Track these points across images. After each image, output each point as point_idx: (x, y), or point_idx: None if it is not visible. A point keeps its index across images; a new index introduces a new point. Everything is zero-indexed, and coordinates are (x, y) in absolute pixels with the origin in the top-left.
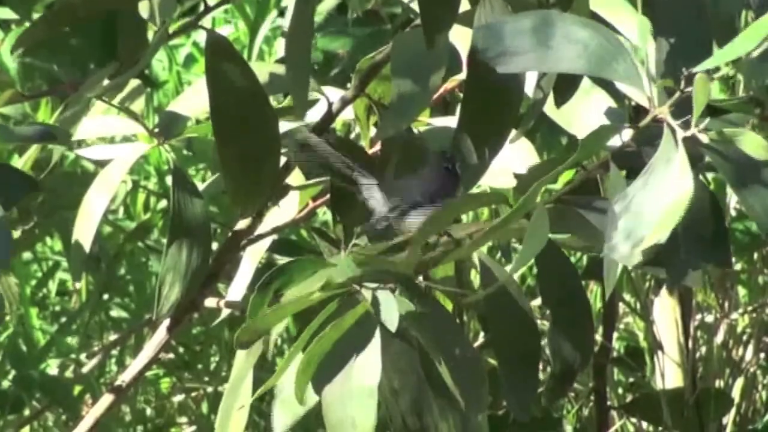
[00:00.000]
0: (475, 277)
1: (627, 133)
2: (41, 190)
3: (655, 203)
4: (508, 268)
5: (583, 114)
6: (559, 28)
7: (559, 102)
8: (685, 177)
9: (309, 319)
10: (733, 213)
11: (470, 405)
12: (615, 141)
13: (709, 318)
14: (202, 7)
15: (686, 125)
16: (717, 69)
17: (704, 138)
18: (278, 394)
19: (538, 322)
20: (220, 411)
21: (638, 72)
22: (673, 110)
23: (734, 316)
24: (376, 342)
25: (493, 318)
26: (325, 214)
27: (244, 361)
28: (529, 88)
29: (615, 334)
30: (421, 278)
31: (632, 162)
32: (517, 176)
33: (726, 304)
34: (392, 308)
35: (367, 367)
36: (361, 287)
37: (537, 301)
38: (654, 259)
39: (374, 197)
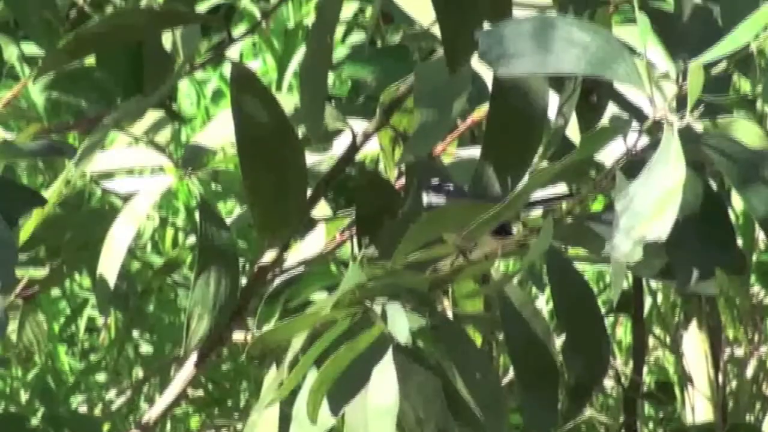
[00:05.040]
0: None
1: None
2: (44, 203)
3: (651, 197)
4: (538, 304)
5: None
6: (560, 31)
7: (584, 130)
8: (678, 166)
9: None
10: (762, 247)
11: (491, 429)
12: (621, 149)
13: (739, 352)
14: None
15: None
16: (715, 64)
17: (698, 127)
18: (295, 417)
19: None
20: None
21: (639, 73)
22: (677, 111)
23: (764, 349)
24: (389, 360)
25: (510, 341)
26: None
27: (267, 390)
28: (552, 113)
29: (645, 368)
30: (450, 311)
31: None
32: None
33: (756, 338)
34: (402, 321)
35: (383, 387)
36: (372, 302)
37: None
38: (665, 269)
39: None
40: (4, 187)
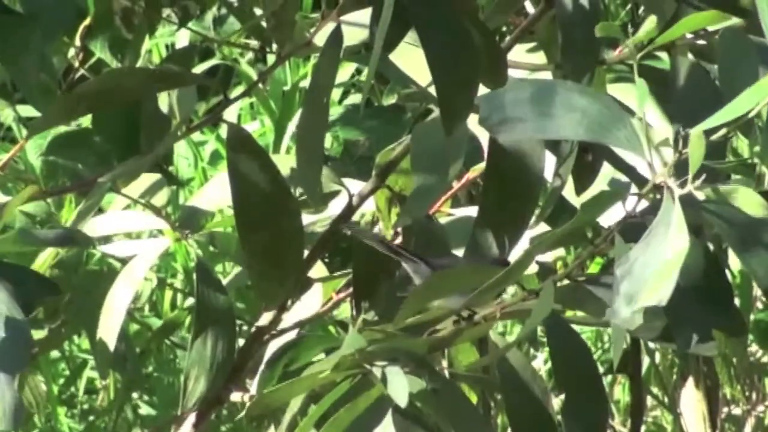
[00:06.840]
0: None
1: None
2: (60, 293)
3: (652, 264)
4: (535, 363)
5: None
6: (559, 96)
7: (579, 189)
8: (681, 234)
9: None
10: (759, 306)
11: None
12: (620, 213)
13: (737, 410)
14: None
15: (684, 186)
16: (715, 130)
17: (700, 195)
18: None
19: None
20: None
21: (639, 138)
22: (675, 175)
23: (761, 408)
24: (389, 422)
25: (508, 402)
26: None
27: None
28: (548, 174)
29: (643, 427)
30: (446, 370)
31: (641, 235)
32: (539, 263)
33: (753, 396)
34: (402, 384)
35: None
36: (372, 366)
37: None
38: (664, 332)
39: (420, 273)
40: (21, 275)
